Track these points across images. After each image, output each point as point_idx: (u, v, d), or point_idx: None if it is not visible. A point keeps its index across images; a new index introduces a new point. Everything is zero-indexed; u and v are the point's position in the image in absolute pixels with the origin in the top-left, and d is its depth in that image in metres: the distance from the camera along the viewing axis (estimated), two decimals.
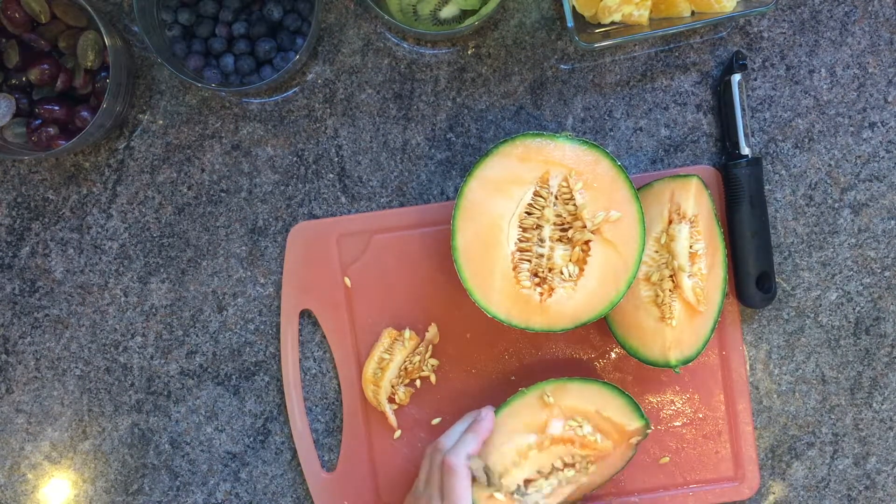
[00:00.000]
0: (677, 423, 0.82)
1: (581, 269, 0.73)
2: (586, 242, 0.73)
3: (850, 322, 0.83)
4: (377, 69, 0.82)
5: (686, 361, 0.76)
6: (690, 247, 0.76)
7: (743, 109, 0.79)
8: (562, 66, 0.82)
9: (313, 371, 0.83)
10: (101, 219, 0.83)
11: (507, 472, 0.74)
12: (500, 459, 0.74)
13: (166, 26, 0.80)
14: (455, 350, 0.82)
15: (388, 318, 0.82)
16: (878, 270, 0.83)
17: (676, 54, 0.82)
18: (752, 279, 0.79)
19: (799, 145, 0.82)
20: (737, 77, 0.79)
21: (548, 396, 0.75)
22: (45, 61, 0.78)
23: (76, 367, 0.84)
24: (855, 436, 0.83)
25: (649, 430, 0.75)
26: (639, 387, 0.82)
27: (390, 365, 0.79)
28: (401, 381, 0.81)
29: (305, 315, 0.83)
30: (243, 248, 0.83)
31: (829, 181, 0.83)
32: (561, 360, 0.82)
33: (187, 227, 0.83)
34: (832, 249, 0.83)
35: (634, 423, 0.75)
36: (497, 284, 0.73)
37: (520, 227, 0.74)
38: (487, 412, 0.74)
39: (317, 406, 0.83)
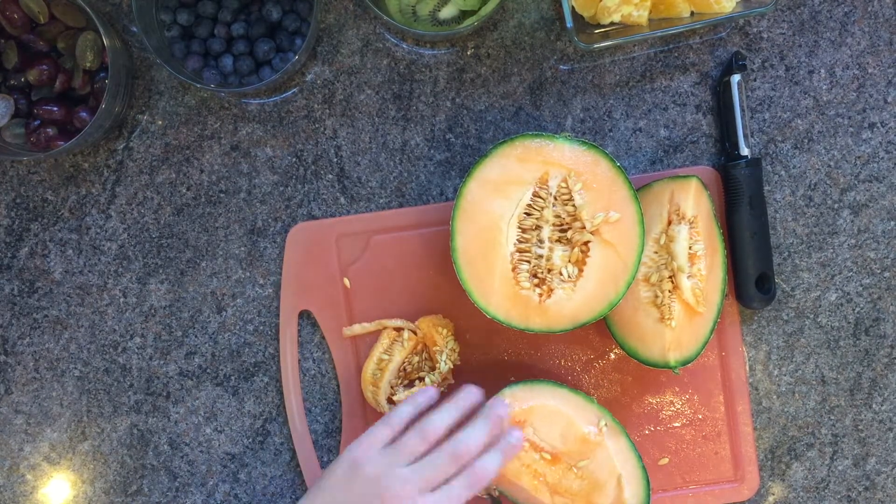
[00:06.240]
0: (676, 424, 0.82)
1: (580, 270, 0.73)
2: (585, 243, 0.73)
3: (849, 323, 0.83)
4: (376, 70, 0.82)
5: (685, 362, 0.76)
6: (690, 248, 0.76)
7: (742, 110, 0.79)
8: (561, 66, 0.82)
9: (312, 372, 0.83)
10: (99, 219, 0.83)
11: None
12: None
13: (165, 27, 0.80)
14: None
15: (387, 318, 0.82)
16: (878, 271, 0.83)
17: (676, 55, 0.82)
18: (751, 280, 0.79)
19: (798, 146, 0.82)
20: (736, 77, 0.79)
21: (605, 425, 0.74)
22: (44, 62, 0.78)
23: (75, 368, 0.84)
24: (854, 437, 0.83)
25: None
26: (638, 388, 0.82)
27: (389, 366, 0.79)
28: (400, 381, 0.81)
29: (304, 316, 0.83)
30: (242, 248, 0.83)
31: (828, 182, 0.83)
32: (560, 362, 0.82)
33: (186, 227, 0.83)
34: (832, 250, 0.83)
35: None
36: (496, 285, 0.73)
37: (519, 227, 0.74)
38: (518, 434, 0.69)
39: (316, 407, 0.83)
